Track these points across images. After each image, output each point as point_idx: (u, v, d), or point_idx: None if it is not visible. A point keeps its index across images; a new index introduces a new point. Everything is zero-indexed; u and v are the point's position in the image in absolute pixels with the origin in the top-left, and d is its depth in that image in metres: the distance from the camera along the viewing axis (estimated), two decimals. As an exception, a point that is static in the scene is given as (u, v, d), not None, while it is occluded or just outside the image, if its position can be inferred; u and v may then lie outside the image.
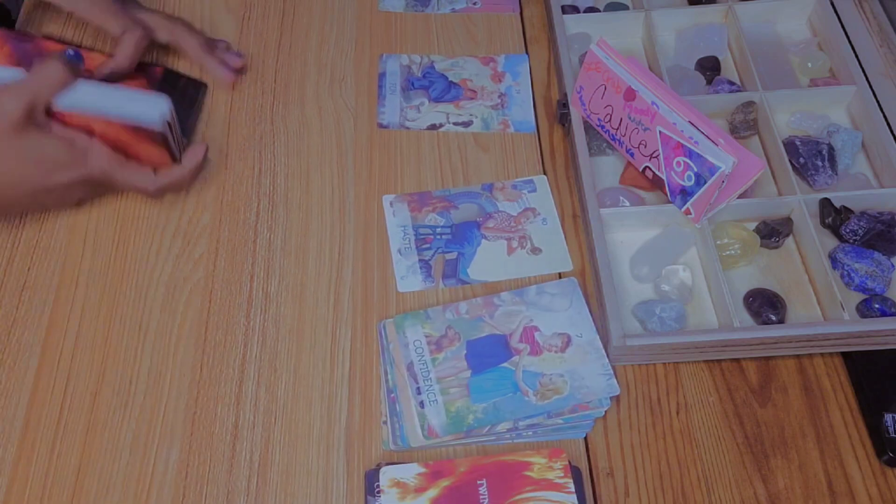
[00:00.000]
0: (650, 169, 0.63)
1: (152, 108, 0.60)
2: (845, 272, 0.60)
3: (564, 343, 0.58)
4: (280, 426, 0.56)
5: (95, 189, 0.65)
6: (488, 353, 0.58)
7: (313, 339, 0.60)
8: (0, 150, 0.58)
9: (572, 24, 0.76)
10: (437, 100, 0.74)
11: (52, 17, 0.79)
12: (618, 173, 0.68)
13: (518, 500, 0.51)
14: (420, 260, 0.64)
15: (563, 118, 0.70)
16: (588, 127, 0.68)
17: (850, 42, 0.72)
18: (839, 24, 0.73)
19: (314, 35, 0.79)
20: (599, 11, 0.78)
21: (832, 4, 0.74)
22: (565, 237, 0.65)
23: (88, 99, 0.60)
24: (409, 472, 0.52)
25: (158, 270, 0.63)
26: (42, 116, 0.59)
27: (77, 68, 0.61)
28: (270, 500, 0.53)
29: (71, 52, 0.69)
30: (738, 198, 0.62)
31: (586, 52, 0.64)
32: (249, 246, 0.65)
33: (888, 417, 0.55)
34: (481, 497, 0.51)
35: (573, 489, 0.51)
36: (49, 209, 0.66)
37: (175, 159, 0.64)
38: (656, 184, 0.63)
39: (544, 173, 0.69)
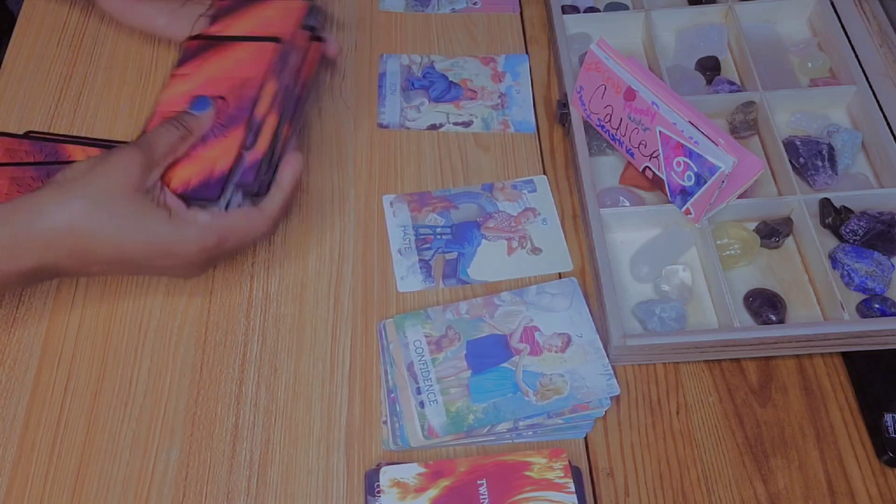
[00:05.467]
0: (650, 169, 0.63)
1: None
2: (845, 272, 0.60)
3: (564, 343, 0.58)
4: (280, 426, 0.56)
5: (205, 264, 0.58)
6: (488, 353, 0.58)
7: (313, 339, 0.60)
8: (110, 210, 0.52)
9: (572, 24, 0.76)
10: (438, 100, 0.74)
11: (54, 18, 0.79)
12: (618, 173, 0.68)
13: (518, 500, 0.51)
14: (420, 260, 0.64)
15: (563, 118, 0.70)
16: (588, 127, 0.68)
17: (850, 42, 0.72)
18: (839, 24, 0.73)
19: (314, 35, 0.79)
20: (599, 11, 0.78)
21: (832, 4, 0.75)
22: (565, 237, 0.65)
23: None
24: (409, 472, 0.52)
25: (158, 270, 0.63)
26: (155, 180, 0.55)
27: (204, 120, 0.59)
28: (270, 500, 0.53)
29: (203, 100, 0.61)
30: (738, 198, 0.62)
31: (586, 52, 0.64)
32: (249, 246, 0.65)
33: (888, 417, 0.55)
34: (481, 497, 0.51)
35: (573, 489, 0.51)
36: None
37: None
38: (656, 184, 0.63)
39: (544, 173, 0.69)
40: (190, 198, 0.57)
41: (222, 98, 0.60)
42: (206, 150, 0.58)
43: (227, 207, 0.57)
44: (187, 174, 0.57)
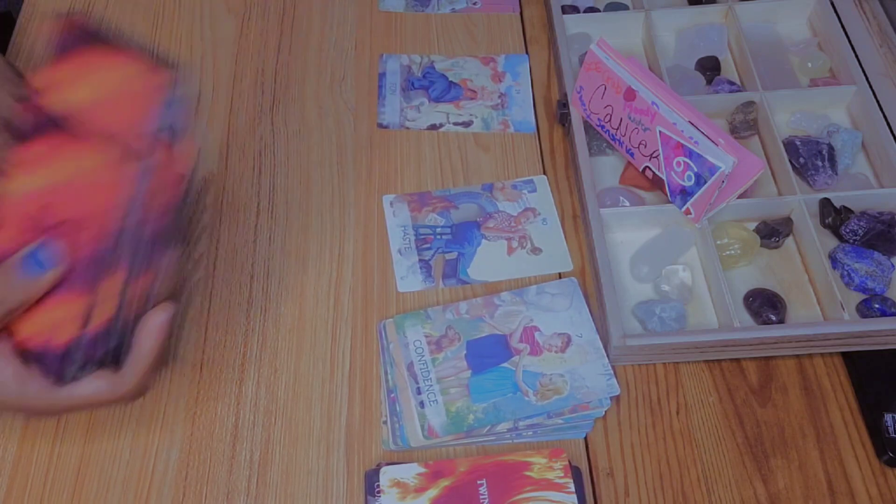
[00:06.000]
0: (650, 169, 0.63)
1: None
2: (845, 272, 0.60)
3: (564, 343, 0.58)
4: (280, 426, 0.56)
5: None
6: (488, 353, 0.58)
7: (313, 339, 0.60)
8: None
9: (572, 24, 0.76)
10: (438, 100, 0.74)
11: (53, 19, 0.79)
12: (618, 173, 0.68)
13: (518, 500, 0.51)
14: (420, 260, 0.64)
15: (563, 118, 0.70)
16: (588, 127, 0.68)
17: (850, 42, 0.72)
18: (839, 24, 0.73)
19: (314, 35, 0.79)
20: (599, 11, 0.78)
21: (832, 4, 0.75)
22: (565, 237, 0.65)
23: None
24: (409, 472, 0.52)
25: (158, 270, 0.63)
26: None
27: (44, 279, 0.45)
28: (270, 500, 0.53)
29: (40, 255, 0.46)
30: (738, 198, 0.62)
31: (586, 52, 0.64)
32: (249, 246, 0.65)
33: (888, 417, 0.55)
34: (481, 497, 0.51)
35: (573, 489, 0.51)
36: None
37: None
38: (656, 184, 0.63)
39: (544, 173, 0.69)
40: (31, 360, 0.47)
41: (69, 231, 0.46)
42: (49, 304, 0.47)
43: (77, 372, 0.47)
44: (28, 329, 0.47)
